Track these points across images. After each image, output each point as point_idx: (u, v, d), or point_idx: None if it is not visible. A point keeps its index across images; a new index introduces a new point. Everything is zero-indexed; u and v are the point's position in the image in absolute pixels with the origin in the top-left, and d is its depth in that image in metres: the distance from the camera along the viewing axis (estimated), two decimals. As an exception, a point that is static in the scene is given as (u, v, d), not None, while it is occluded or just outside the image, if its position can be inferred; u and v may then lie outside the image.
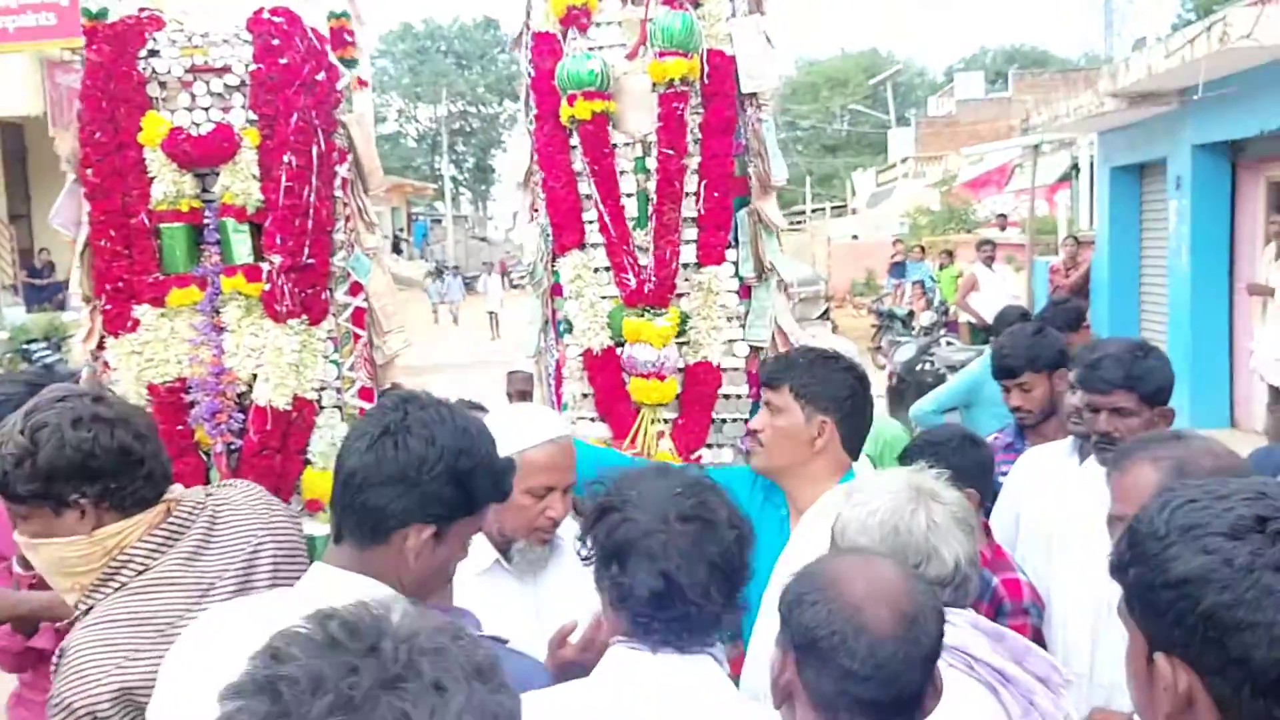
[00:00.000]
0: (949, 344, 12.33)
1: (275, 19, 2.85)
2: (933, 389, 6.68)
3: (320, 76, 2.82)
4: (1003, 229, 19.32)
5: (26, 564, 2.53)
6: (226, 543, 2.02)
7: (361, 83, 3.05)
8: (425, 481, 1.61)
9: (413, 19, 59.58)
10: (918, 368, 10.86)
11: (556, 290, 3.22)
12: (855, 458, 2.57)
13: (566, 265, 3.13)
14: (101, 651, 1.82)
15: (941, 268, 16.77)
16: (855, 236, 27.91)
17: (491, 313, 24.93)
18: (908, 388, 10.43)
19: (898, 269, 18.42)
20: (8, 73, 16.92)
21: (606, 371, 3.06)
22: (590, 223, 3.13)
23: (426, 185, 48.94)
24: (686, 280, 3.10)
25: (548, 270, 3.25)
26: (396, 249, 38.15)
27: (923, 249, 18.91)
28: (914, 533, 1.85)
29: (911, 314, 16.17)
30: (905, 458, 2.94)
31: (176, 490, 2.05)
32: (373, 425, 1.67)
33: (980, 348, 10.38)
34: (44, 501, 1.93)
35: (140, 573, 1.95)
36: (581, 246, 3.13)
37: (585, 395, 3.15)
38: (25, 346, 14.31)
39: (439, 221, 48.67)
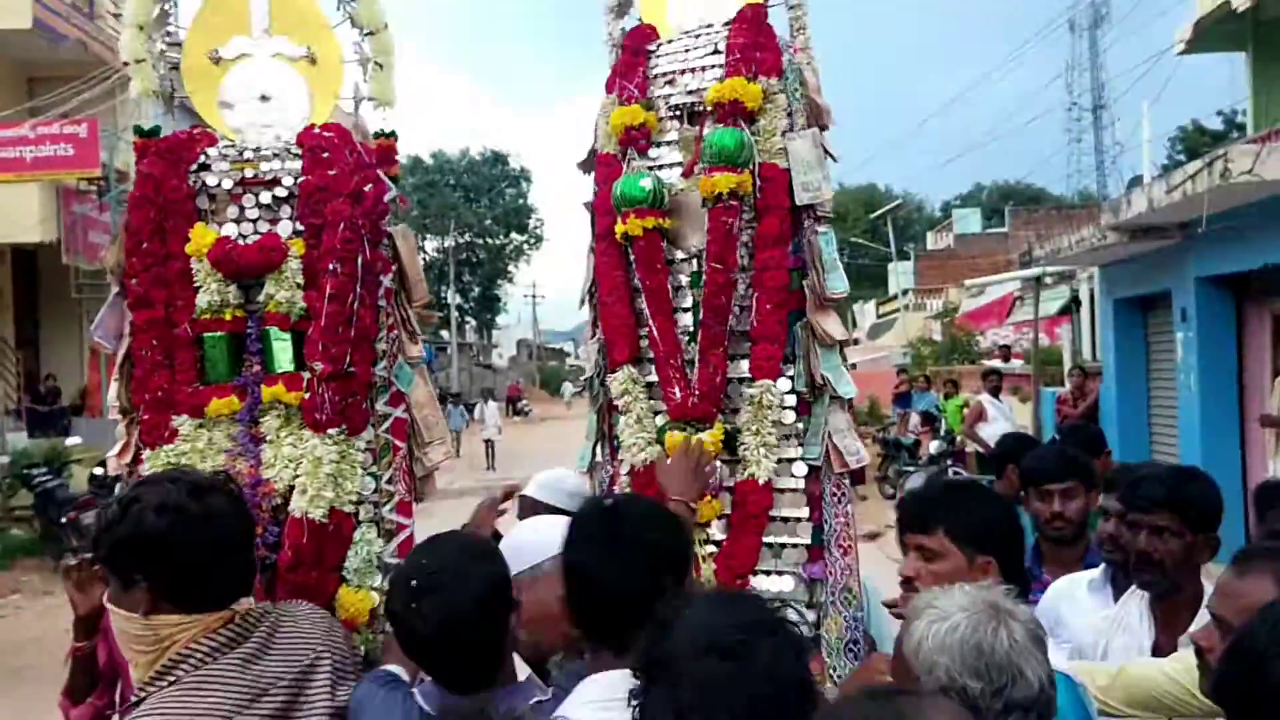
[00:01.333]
0: (956, 473, 12.25)
1: (325, 134, 2.91)
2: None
3: (368, 188, 2.86)
4: (1006, 360, 19.44)
5: (80, 634, 2.66)
6: (285, 652, 2.01)
7: (403, 201, 3.10)
8: None
9: (422, 152, 61.03)
10: (928, 497, 10.76)
11: (614, 406, 3.19)
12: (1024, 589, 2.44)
13: (617, 380, 3.11)
14: None
15: (947, 397, 16.82)
16: (853, 365, 27.98)
17: (489, 441, 24.32)
18: (919, 517, 10.31)
19: (903, 399, 18.43)
20: (24, 201, 17.28)
21: (652, 488, 2.98)
22: (645, 338, 3.13)
23: (432, 314, 48.96)
24: (740, 395, 3.05)
25: (604, 385, 3.23)
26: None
27: (927, 379, 18.97)
28: (997, 652, 1.75)
29: (918, 443, 16.13)
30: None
31: (246, 602, 2.06)
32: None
33: (989, 477, 10.31)
34: (116, 572, 2.02)
35: (196, 669, 1.95)
36: (635, 362, 3.12)
37: None
38: (26, 471, 14.22)
39: (444, 349, 48.99)
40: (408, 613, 2.03)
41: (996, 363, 18.85)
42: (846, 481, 3.14)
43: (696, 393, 3.00)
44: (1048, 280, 17.25)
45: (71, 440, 15.88)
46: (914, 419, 16.88)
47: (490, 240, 60.60)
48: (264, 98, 3.02)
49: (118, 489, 2.90)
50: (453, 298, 52.86)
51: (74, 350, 20.03)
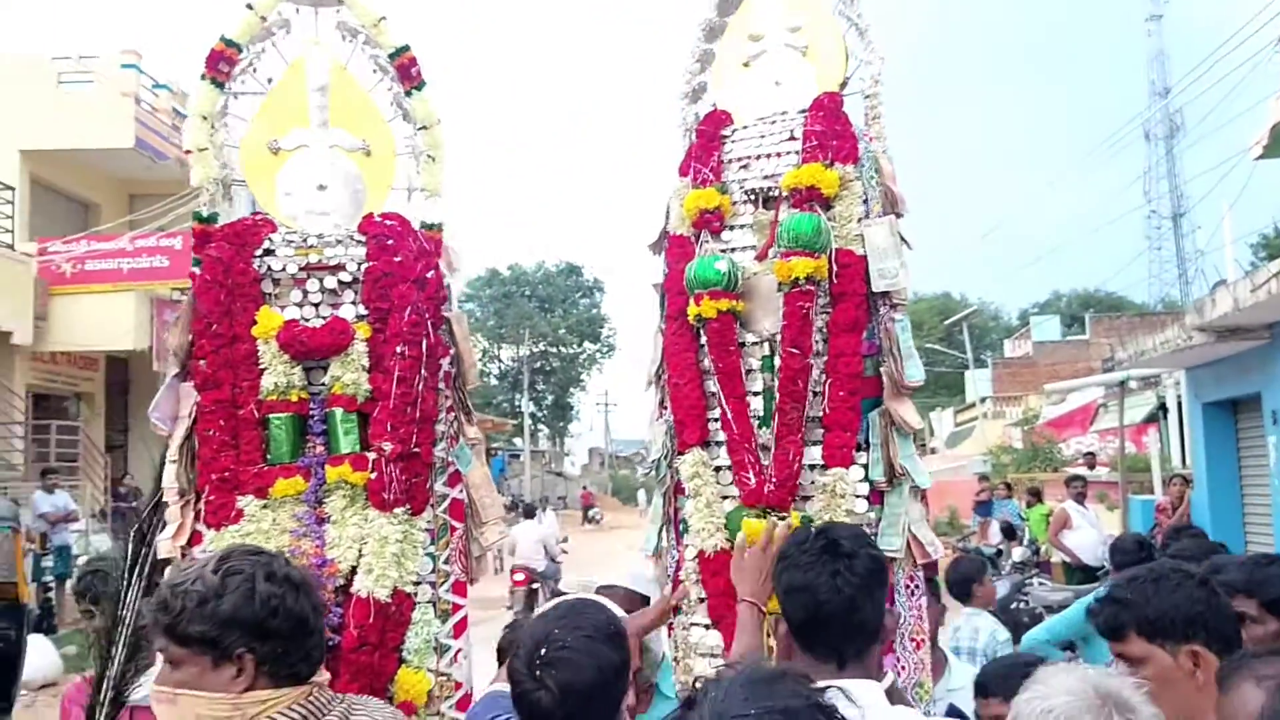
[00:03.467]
0: (1042, 584, 11.82)
1: (388, 221, 2.98)
2: (1029, 629, 6.31)
3: (430, 274, 2.91)
4: (1091, 468, 18.84)
5: None
6: None
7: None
8: None
9: (499, 265, 62.57)
10: (1012, 606, 10.36)
11: (680, 489, 3.15)
12: None
13: (686, 462, 3.07)
14: None
15: (1029, 506, 16.31)
16: (974, 474, 27.20)
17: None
18: (1004, 626, 9.94)
19: (983, 507, 17.92)
20: (119, 311, 18.01)
21: (721, 575, 2.91)
22: (714, 421, 3.09)
23: (506, 421, 49.93)
24: (812, 483, 2.98)
25: (671, 468, 3.19)
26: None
27: (1009, 486, 18.47)
28: None
29: (999, 552, 15.62)
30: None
31: (323, 676, 2.01)
32: None
33: (1077, 587, 9.92)
34: (208, 650, 1.89)
35: None
36: (704, 444, 3.08)
37: (700, 599, 3.01)
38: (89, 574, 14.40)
39: (517, 456, 49.26)
40: (530, 679, 2.01)
41: (1081, 470, 18.31)
42: (920, 574, 3.04)
43: (773, 479, 2.94)
44: (1132, 386, 16.86)
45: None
46: (994, 529, 16.38)
47: (564, 349, 61.38)
48: (321, 186, 3.10)
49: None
50: (526, 406, 53.36)
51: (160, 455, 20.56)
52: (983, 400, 34.44)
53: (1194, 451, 14.24)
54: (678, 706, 1.61)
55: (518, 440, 52.00)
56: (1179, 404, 17.41)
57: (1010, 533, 15.42)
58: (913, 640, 2.96)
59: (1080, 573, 11.68)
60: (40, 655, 11.13)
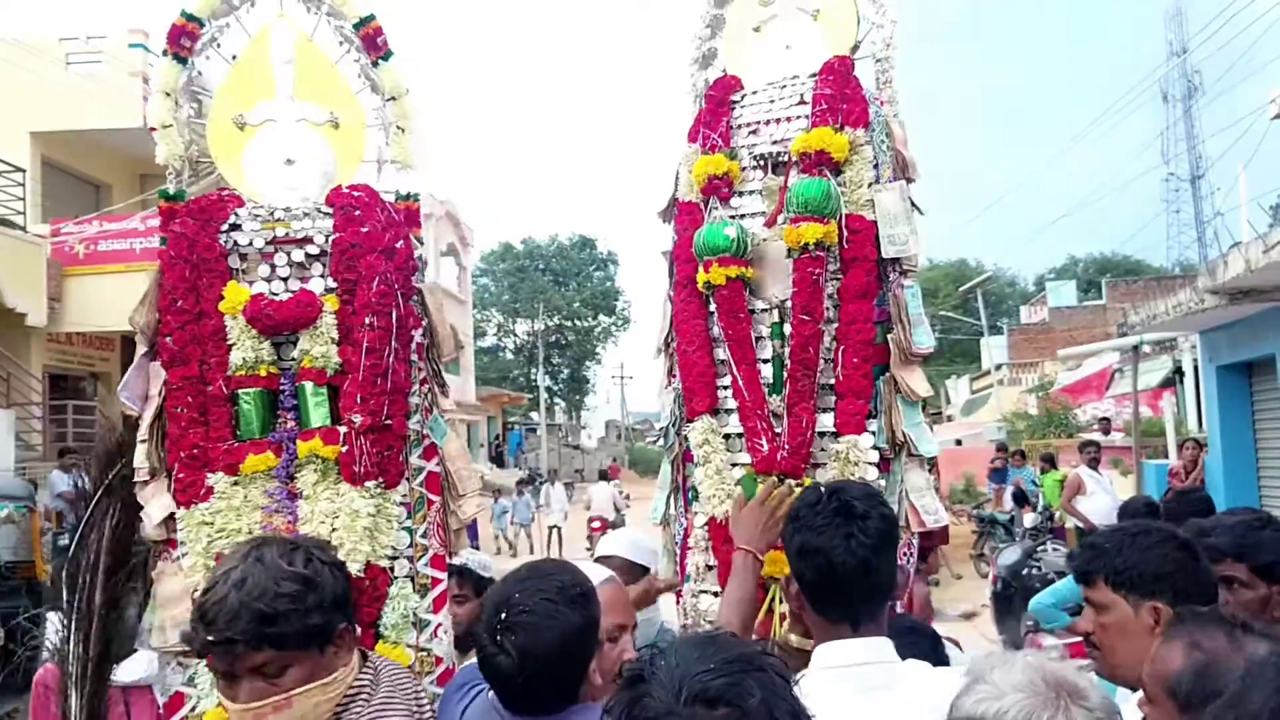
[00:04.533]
0: (1055, 549, 11.77)
1: (355, 193, 2.95)
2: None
3: (399, 245, 2.88)
4: (1106, 433, 18.73)
5: None
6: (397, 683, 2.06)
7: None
8: None
9: (513, 239, 62.45)
10: (1024, 572, 10.33)
11: (689, 456, 3.13)
12: None
13: (695, 430, 3.06)
14: None
15: (1043, 472, 16.24)
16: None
17: (554, 528, 22.25)
18: (1014, 593, 9.91)
19: (997, 474, 17.87)
20: (133, 290, 18.02)
21: (731, 542, 2.90)
22: (724, 388, 3.07)
23: (522, 395, 50.07)
24: (824, 450, 2.96)
25: (679, 436, 3.18)
26: (499, 461, 38.59)
27: (1023, 454, 18.39)
28: None
29: (1013, 519, 15.57)
30: None
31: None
32: None
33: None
34: (314, 640, 1.89)
35: (377, 690, 2.00)
36: (714, 412, 3.06)
37: (710, 567, 3.00)
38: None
39: (533, 431, 49.41)
40: (491, 643, 2.01)
41: (1096, 435, 18.20)
42: (915, 542, 3.02)
43: (786, 446, 2.92)
44: (1147, 350, 16.71)
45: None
46: (1009, 496, 16.32)
47: (579, 323, 61.36)
48: (289, 161, 3.05)
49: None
50: (542, 380, 53.44)
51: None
52: (998, 367, 34.25)
53: (1208, 415, 14.13)
54: (623, 681, 1.57)
55: (534, 414, 52.14)
56: (1194, 368, 17.26)
57: (1021, 498, 15.36)
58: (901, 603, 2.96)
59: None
60: (56, 633, 11.28)
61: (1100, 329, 29.39)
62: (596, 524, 19.46)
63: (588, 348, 62.49)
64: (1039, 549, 11.15)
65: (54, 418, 18.91)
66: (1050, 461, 16.42)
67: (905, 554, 2.95)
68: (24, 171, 18.58)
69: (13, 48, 19.23)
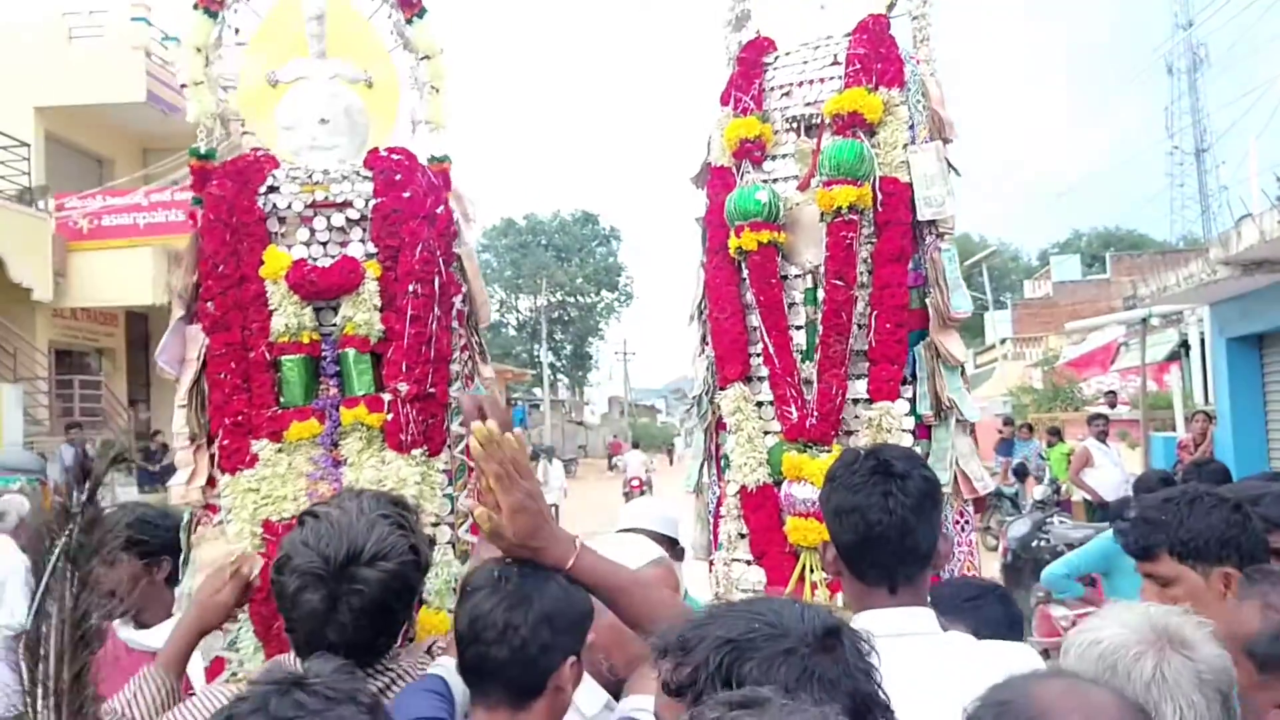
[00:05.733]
0: (1062, 522, 11.80)
1: (394, 156, 2.90)
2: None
3: (439, 210, 2.85)
4: (1112, 406, 18.74)
5: None
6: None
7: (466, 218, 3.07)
8: None
9: (515, 214, 62.25)
10: (1033, 544, 10.36)
11: (722, 425, 3.11)
12: None
13: (727, 398, 3.03)
14: None
15: (1050, 445, 16.25)
16: (994, 415, 26.93)
17: (553, 506, 20.88)
18: (1024, 565, 9.93)
19: (1004, 446, 17.89)
20: (137, 265, 18.04)
21: (763, 510, 2.90)
22: (756, 355, 3.04)
23: (525, 371, 50.01)
24: (856, 417, 2.93)
25: (713, 404, 3.15)
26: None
27: (1029, 427, 18.40)
28: (1133, 679, 1.55)
29: (1017, 494, 15.60)
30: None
31: None
32: None
33: (1098, 525, 9.87)
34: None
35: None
36: (746, 380, 3.03)
37: (742, 535, 2.98)
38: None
39: (537, 406, 49.42)
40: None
41: (1103, 408, 18.19)
42: (970, 509, 3.01)
43: (815, 413, 2.89)
44: (1154, 323, 16.65)
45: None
46: (1010, 473, 16.35)
47: (581, 298, 61.25)
48: (322, 120, 2.97)
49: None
50: (545, 356, 53.40)
51: (182, 408, 20.72)
52: (1002, 341, 34.21)
53: (1217, 387, 14.11)
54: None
55: (537, 390, 52.11)
56: (1201, 341, 17.23)
57: (1021, 473, 15.42)
58: (964, 574, 2.94)
59: (1101, 510, 11.64)
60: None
61: (1105, 303, 29.27)
62: (635, 482, 22.98)
63: (590, 324, 62.41)
64: (1047, 521, 11.19)
65: (60, 392, 18.92)
66: (1057, 434, 16.43)
67: (959, 522, 2.94)
68: (28, 146, 18.50)
69: (15, 22, 19.13)
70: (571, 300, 60.86)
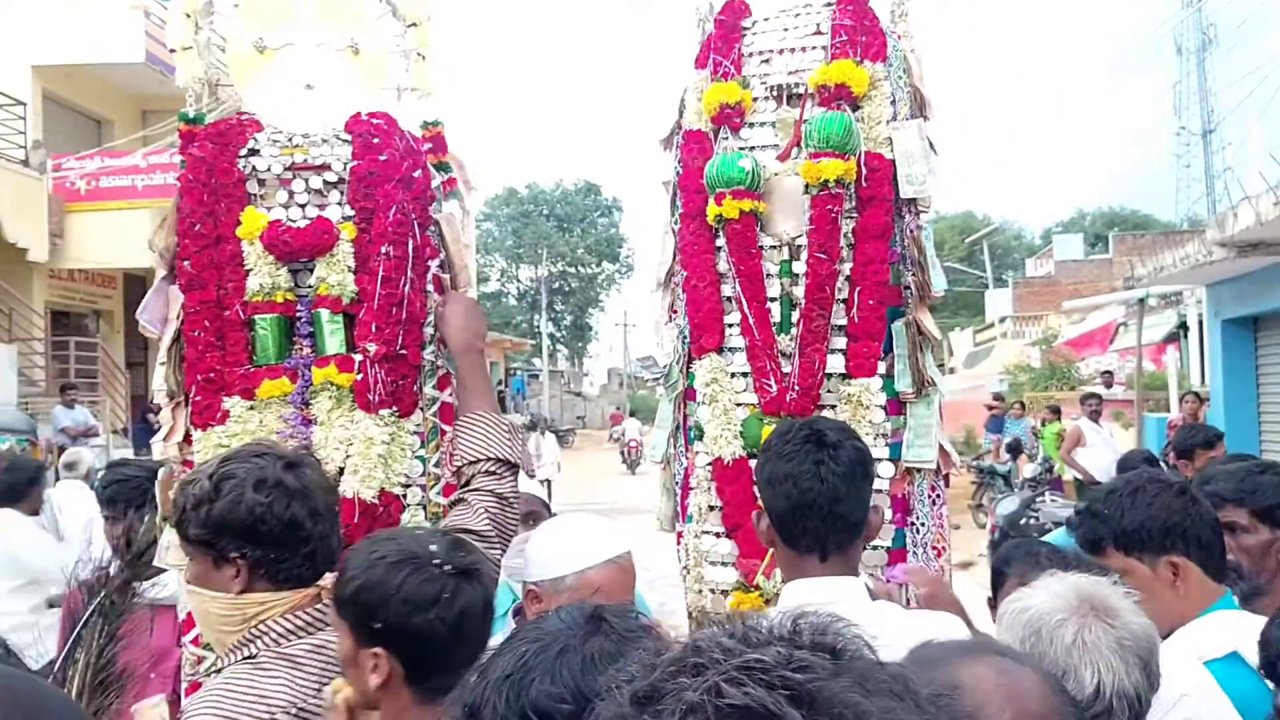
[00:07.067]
0: (1053, 500, 11.84)
1: (374, 120, 2.91)
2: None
3: (417, 174, 2.85)
4: (1109, 386, 18.78)
5: None
6: None
7: (451, 183, 3.07)
8: None
9: (517, 184, 62.02)
10: (1022, 522, 10.41)
11: (690, 395, 3.09)
12: (1221, 579, 2.22)
13: (702, 368, 3.01)
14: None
15: (1044, 424, 16.29)
16: (990, 393, 26.94)
17: (546, 482, 19.52)
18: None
19: (995, 422, 17.93)
20: (135, 227, 18.00)
21: (738, 484, 2.87)
22: (731, 326, 3.02)
23: (525, 341, 50.06)
24: (831, 392, 2.93)
25: (683, 374, 3.13)
26: (501, 406, 38.58)
27: (1022, 404, 18.44)
28: (1054, 644, 1.59)
29: (1010, 471, 15.65)
30: None
31: (330, 578, 2.01)
32: None
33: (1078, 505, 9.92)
34: (207, 550, 1.99)
35: (272, 647, 1.95)
36: (720, 350, 3.01)
37: (713, 508, 2.97)
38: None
39: (536, 377, 49.49)
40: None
41: (1098, 388, 18.24)
42: (942, 483, 3.02)
43: (796, 387, 2.88)
44: (1153, 304, 16.68)
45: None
46: (1004, 450, 16.40)
47: (582, 269, 61.20)
48: (308, 86, 3.00)
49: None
50: (545, 326, 53.42)
51: (179, 372, 20.77)
52: (1002, 320, 34.22)
53: (1212, 369, 14.14)
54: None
55: (536, 360, 52.17)
56: (1199, 322, 17.24)
57: (1016, 450, 15.45)
58: (934, 549, 2.95)
59: (1092, 489, 11.70)
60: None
61: (1106, 283, 29.26)
62: (633, 443, 27.78)
63: (591, 295, 62.39)
64: (1037, 499, 11.24)
65: (56, 354, 18.93)
66: (1055, 412, 16.49)
67: (932, 496, 2.95)
68: (25, 105, 18.41)
69: (13, -21, 18.98)
70: (572, 271, 60.82)
